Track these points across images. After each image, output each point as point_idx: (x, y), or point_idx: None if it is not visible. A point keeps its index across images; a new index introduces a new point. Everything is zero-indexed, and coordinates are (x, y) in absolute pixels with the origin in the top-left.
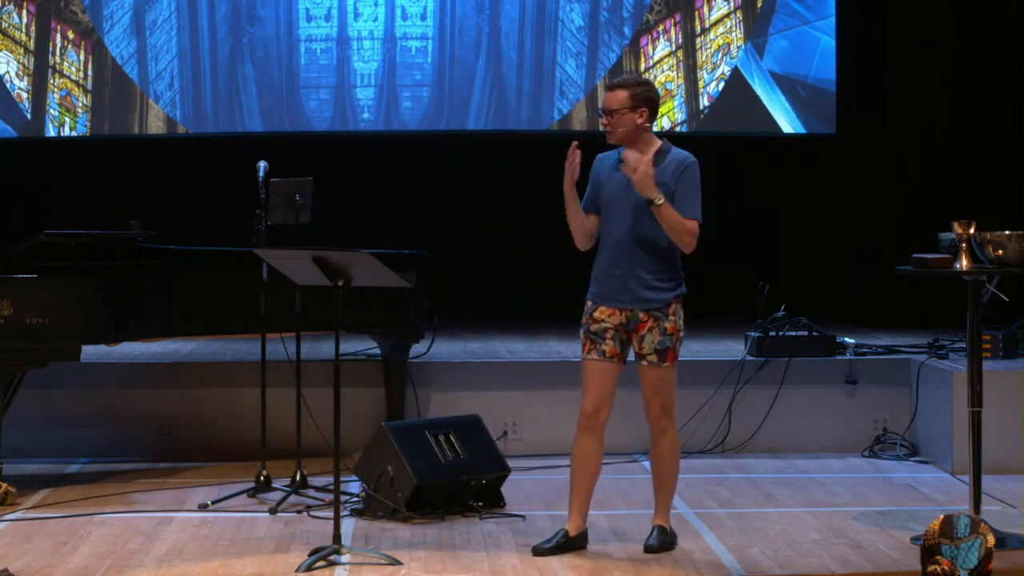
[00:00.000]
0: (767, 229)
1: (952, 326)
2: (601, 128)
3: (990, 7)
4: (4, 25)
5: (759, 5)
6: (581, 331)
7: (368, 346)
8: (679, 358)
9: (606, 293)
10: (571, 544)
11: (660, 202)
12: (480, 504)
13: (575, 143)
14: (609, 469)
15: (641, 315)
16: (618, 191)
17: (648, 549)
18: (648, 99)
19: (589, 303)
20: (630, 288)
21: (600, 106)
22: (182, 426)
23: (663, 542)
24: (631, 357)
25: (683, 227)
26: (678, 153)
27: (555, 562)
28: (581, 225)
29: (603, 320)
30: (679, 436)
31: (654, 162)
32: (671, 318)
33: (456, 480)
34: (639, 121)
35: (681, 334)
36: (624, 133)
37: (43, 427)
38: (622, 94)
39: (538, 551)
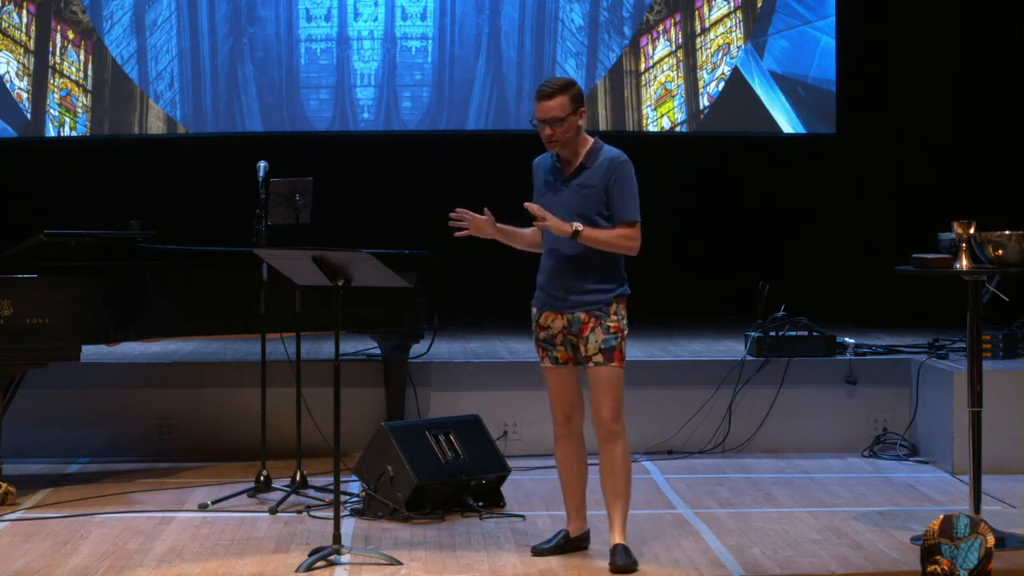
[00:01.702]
0: (767, 229)
1: (952, 326)
2: (547, 139)
3: (990, 7)
4: (4, 25)
5: (759, 5)
6: (533, 340)
7: (368, 346)
8: (626, 359)
9: (547, 299)
10: (572, 545)
11: (580, 228)
12: (480, 504)
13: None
14: None
15: (582, 316)
16: (554, 199)
17: (619, 569)
18: (581, 98)
19: (534, 310)
20: (568, 294)
21: (536, 116)
22: (182, 426)
23: (631, 562)
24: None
25: (614, 241)
26: (610, 152)
27: (555, 562)
28: (530, 243)
29: (549, 326)
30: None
31: (584, 164)
32: (613, 317)
33: (456, 480)
34: (580, 122)
35: (625, 333)
36: (569, 139)
37: (43, 427)
38: (563, 99)
39: (538, 551)
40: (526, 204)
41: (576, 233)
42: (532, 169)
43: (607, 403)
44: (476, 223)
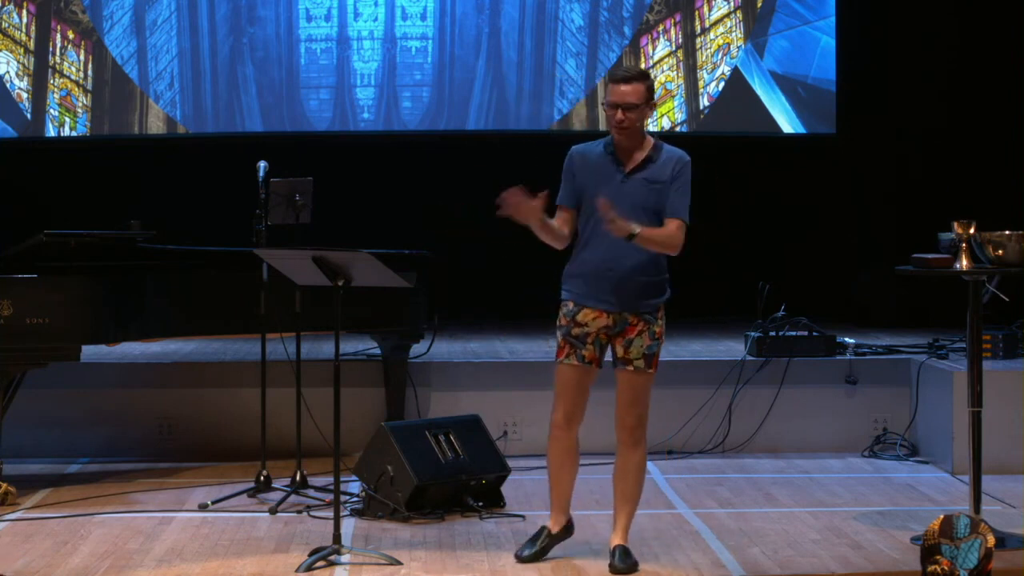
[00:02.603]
0: (767, 229)
1: (952, 326)
2: (617, 123)
3: (990, 7)
4: (4, 25)
5: (759, 5)
6: (559, 333)
7: (368, 346)
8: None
9: (594, 293)
10: (556, 539)
11: (638, 231)
12: (480, 504)
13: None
14: (610, 469)
15: (631, 318)
16: (613, 191)
17: (619, 571)
18: (654, 92)
19: (570, 304)
20: (624, 291)
21: (611, 100)
22: (182, 426)
23: (630, 564)
24: (608, 357)
25: (666, 240)
26: (672, 151)
27: (554, 563)
28: (556, 237)
29: (586, 324)
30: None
31: (650, 158)
32: (659, 322)
33: (456, 480)
34: (650, 115)
35: (664, 339)
36: (636, 129)
37: (43, 427)
38: (641, 87)
39: (523, 559)
40: (600, 200)
41: (632, 236)
42: (570, 157)
43: (636, 409)
44: (523, 207)
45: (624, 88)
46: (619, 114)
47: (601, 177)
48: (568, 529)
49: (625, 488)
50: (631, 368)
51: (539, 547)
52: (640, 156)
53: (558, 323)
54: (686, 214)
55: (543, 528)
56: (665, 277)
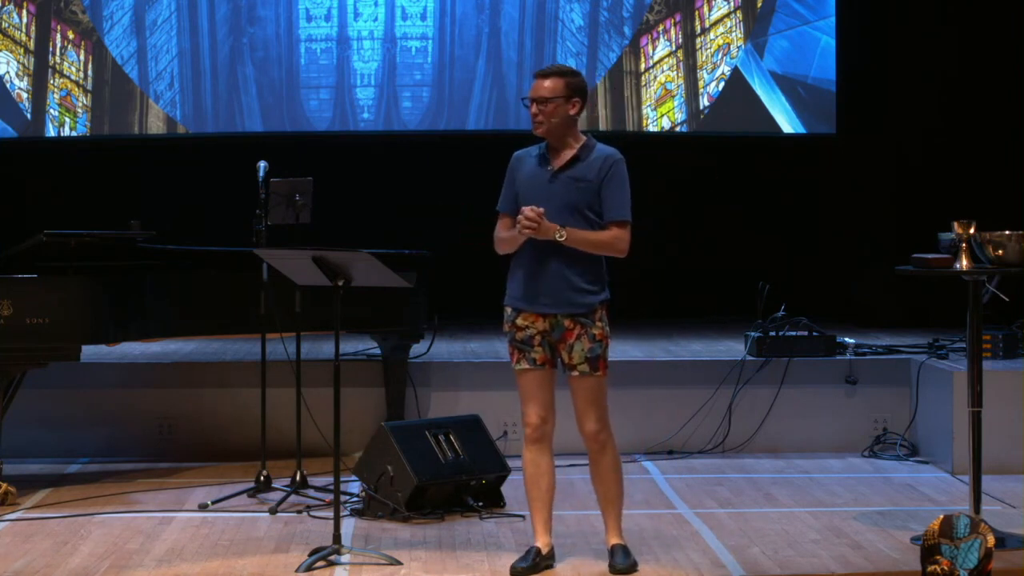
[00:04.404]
0: (767, 229)
1: (952, 326)
2: (532, 117)
3: (990, 7)
4: (4, 25)
5: (759, 5)
6: (507, 340)
7: (368, 346)
8: (609, 366)
9: (528, 296)
10: (545, 563)
11: (563, 237)
12: (480, 504)
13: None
14: None
15: (566, 322)
16: (541, 190)
17: (619, 570)
18: (581, 89)
19: (508, 309)
20: (555, 292)
21: (529, 95)
22: (182, 426)
23: (630, 564)
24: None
25: (602, 242)
26: (603, 149)
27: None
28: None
29: (527, 326)
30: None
31: (578, 157)
32: (598, 324)
33: (456, 480)
34: (572, 112)
35: (609, 340)
36: (556, 124)
37: (43, 427)
38: (558, 82)
39: (516, 571)
40: (523, 209)
41: (558, 238)
42: (512, 162)
43: (593, 413)
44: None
45: (540, 82)
46: (533, 107)
47: (532, 178)
48: (552, 556)
49: (606, 491)
50: (576, 373)
51: (532, 563)
52: (569, 155)
53: (504, 330)
54: (626, 213)
55: (533, 547)
56: (602, 278)
